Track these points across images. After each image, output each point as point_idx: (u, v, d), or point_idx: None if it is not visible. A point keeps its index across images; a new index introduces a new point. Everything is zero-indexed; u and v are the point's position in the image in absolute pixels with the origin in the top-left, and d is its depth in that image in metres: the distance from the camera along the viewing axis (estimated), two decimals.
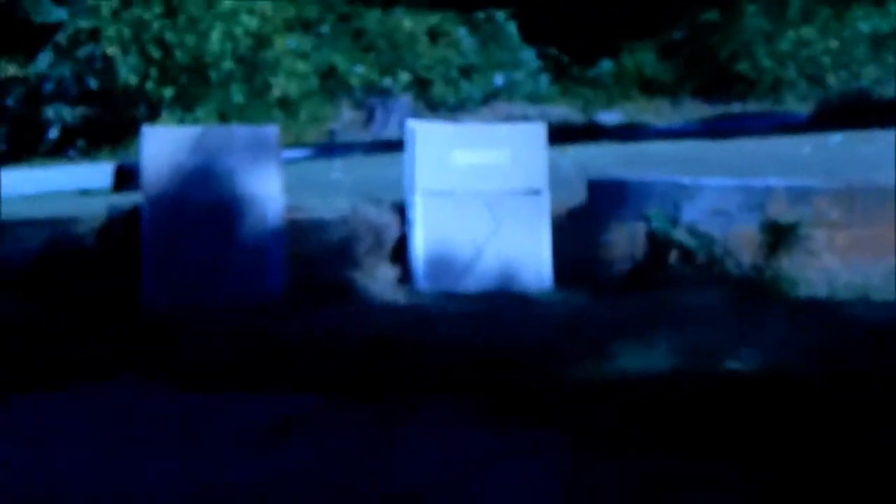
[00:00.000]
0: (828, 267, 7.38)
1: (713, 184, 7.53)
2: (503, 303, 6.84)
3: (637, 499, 3.86)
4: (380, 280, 7.14)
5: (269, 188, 6.84)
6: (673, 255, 7.38)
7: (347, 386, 5.05)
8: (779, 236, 7.31)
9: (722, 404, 4.64)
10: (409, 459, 4.18)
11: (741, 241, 7.36)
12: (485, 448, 4.22)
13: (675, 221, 7.34)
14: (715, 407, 4.59)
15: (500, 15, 17.39)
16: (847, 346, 5.76)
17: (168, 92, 13.69)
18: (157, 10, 13.57)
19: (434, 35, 17.06)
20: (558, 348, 5.73)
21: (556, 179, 7.56)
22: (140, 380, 5.15)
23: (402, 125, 14.23)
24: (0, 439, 4.43)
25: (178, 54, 13.78)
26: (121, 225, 6.68)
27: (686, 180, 7.60)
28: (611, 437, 4.37)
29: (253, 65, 14.40)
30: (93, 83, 13.91)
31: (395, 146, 9.83)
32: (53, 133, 13.88)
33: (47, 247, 6.15)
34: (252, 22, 13.97)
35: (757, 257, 7.36)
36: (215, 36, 13.80)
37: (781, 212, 7.34)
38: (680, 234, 7.33)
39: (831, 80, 16.28)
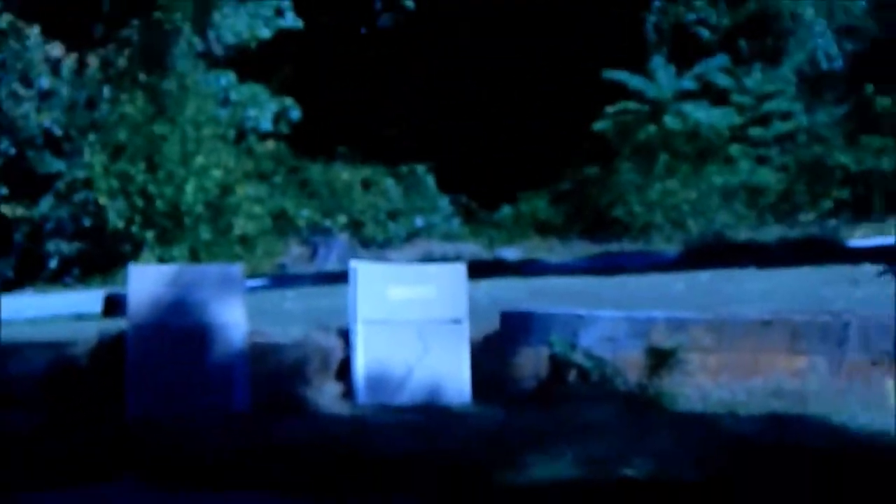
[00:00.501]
0: (701, 385, 7.97)
1: (605, 315, 8.17)
2: (431, 415, 7.44)
3: None
4: (327, 395, 7.76)
5: (234, 317, 7.47)
6: (571, 375, 7.99)
7: (302, 487, 5.74)
8: (660, 359, 7.94)
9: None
10: None
11: (628, 363, 8.00)
12: None
13: (573, 346, 7.97)
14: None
15: (421, 168, 20.24)
16: (719, 454, 6.27)
17: (150, 234, 15.42)
18: (141, 166, 15.47)
19: (366, 184, 19.38)
20: (480, 458, 6.27)
21: (473, 310, 8.18)
22: (139, 483, 5.75)
23: (341, 259, 16.10)
24: None
25: (159, 203, 15.40)
26: (109, 348, 7.28)
27: (582, 312, 8.24)
28: None
29: (218, 208, 15.87)
30: (87, 223, 15.88)
31: (337, 278, 11.01)
32: (53, 263, 15.88)
33: (49, 367, 6.80)
34: (218, 174, 15.75)
35: (641, 377, 7.96)
36: (189, 188, 15.43)
37: (661, 339, 7.99)
38: (577, 357, 7.94)
39: (691, 224, 17.73)
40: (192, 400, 7.32)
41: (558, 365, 8.09)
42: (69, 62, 16.28)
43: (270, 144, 18.40)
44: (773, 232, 16.49)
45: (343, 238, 17.44)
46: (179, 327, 7.44)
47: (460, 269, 8.30)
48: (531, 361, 8.17)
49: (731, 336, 8.23)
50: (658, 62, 20.53)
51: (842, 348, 8.09)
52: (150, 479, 5.82)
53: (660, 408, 7.71)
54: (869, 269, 11.24)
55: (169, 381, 7.36)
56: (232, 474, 6.03)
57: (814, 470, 6.00)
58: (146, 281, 7.49)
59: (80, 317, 10.19)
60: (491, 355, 8.24)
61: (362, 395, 7.69)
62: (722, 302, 9.57)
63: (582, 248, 16.57)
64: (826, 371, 8.06)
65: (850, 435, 7.01)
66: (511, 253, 16.50)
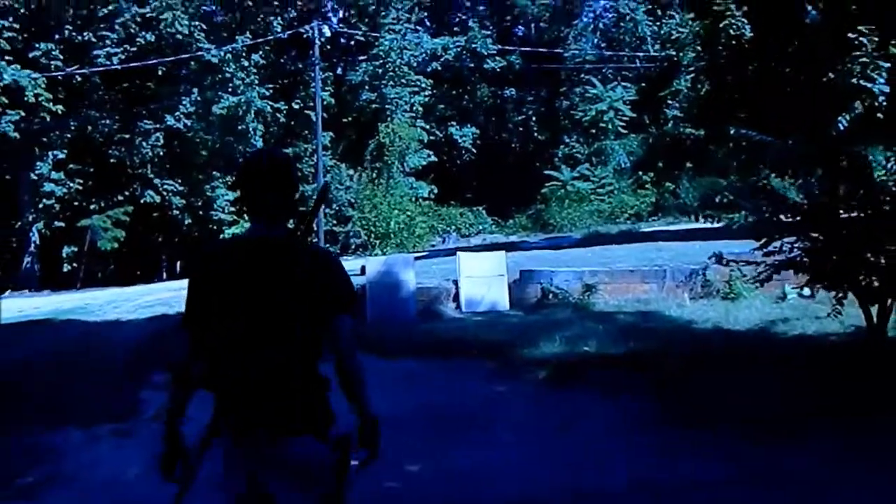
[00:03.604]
0: (605, 300, 12.57)
1: (564, 270, 13.09)
2: (492, 316, 12.07)
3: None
4: (448, 309, 12.47)
5: (409, 277, 12.24)
6: (550, 296, 12.69)
7: (439, 353, 9.54)
8: (587, 289, 12.71)
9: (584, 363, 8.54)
10: (467, 384, 8.03)
11: (574, 291, 12.71)
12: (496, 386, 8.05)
13: (551, 283, 12.72)
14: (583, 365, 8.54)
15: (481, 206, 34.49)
16: (621, 334, 9.74)
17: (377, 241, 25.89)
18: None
19: (462, 214, 34.72)
20: (515, 341, 9.64)
21: (508, 270, 12.99)
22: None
23: (455, 242, 28.79)
24: None
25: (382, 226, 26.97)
26: (359, 290, 12.14)
27: (553, 269, 13.17)
28: (554, 381, 8.06)
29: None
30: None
31: (451, 252, 15.28)
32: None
33: None
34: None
35: (580, 297, 12.60)
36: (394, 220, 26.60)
37: (588, 279, 12.85)
38: (553, 289, 12.70)
39: (580, 225, 28.56)
40: (391, 312, 11.72)
41: (545, 292, 12.71)
42: None
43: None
44: (615, 228, 24.46)
45: (453, 232, 28.55)
46: (388, 281, 12.16)
47: (502, 253, 13.15)
48: (533, 291, 12.78)
49: (617, 277, 13.00)
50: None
51: (663, 280, 12.91)
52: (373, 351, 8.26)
53: (588, 309, 12.02)
54: (662, 244, 16.56)
55: (383, 305, 11.91)
56: (403, 349, 9.58)
57: (664, 336, 9.70)
58: (374, 262, 12.54)
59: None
60: (516, 289, 12.75)
61: (464, 308, 12.40)
62: (609, 261, 14.44)
63: (540, 237, 26.50)
64: (657, 291, 12.73)
65: (671, 320, 11.02)
66: (514, 238, 27.22)
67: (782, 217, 8.56)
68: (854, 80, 7.61)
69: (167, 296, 16.86)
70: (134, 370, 9.91)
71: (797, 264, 8.73)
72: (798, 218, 8.48)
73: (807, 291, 12.64)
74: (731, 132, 9.38)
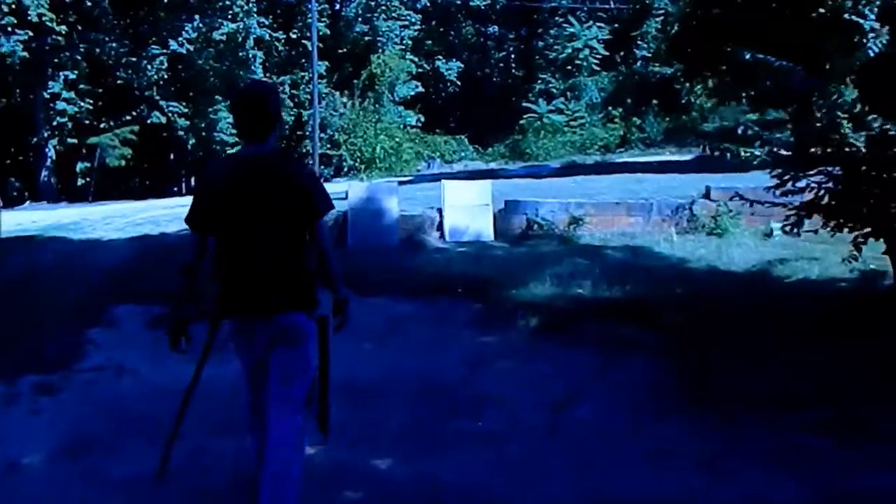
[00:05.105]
0: (591, 231, 10.59)
1: (549, 201, 10.96)
2: (477, 246, 9.99)
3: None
4: (432, 237, 10.40)
5: (393, 204, 10.28)
6: (535, 227, 10.67)
7: (421, 292, 7.31)
8: (573, 221, 10.65)
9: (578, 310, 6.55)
10: (453, 334, 6.19)
11: (560, 222, 10.68)
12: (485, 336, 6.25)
13: (536, 214, 10.67)
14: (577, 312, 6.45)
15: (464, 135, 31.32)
16: (612, 272, 7.90)
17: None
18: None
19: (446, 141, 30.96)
20: (502, 278, 7.71)
21: (493, 199, 10.81)
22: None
23: (438, 167, 26.45)
24: None
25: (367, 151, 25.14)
26: (340, 217, 9.90)
27: (539, 200, 11.01)
28: (547, 331, 6.12)
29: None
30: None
31: (436, 178, 13.99)
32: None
33: None
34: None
35: (565, 229, 10.61)
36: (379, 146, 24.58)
37: (574, 211, 10.75)
38: (538, 220, 10.66)
39: (555, 154, 26.58)
40: (372, 240, 9.81)
41: (530, 223, 10.70)
42: None
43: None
44: (589, 159, 22.23)
45: (437, 158, 26.76)
46: (370, 208, 10.22)
47: (487, 182, 11.28)
48: (518, 222, 10.76)
49: (602, 209, 10.94)
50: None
51: (650, 214, 10.90)
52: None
53: (574, 242, 10.20)
54: (641, 175, 14.49)
55: (364, 232, 9.98)
56: (383, 286, 7.34)
57: (660, 277, 7.88)
58: (357, 188, 10.44)
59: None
60: (502, 219, 10.71)
61: (448, 237, 10.38)
62: (592, 192, 12.19)
63: (519, 165, 24.46)
64: (643, 224, 10.77)
65: (662, 258, 9.23)
66: (494, 165, 25.29)
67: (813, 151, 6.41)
68: (846, 16, 6.27)
69: (160, 213, 14.77)
70: (89, 303, 7.71)
71: (825, 207, 6.62)
72: (829, 151, 6.32)
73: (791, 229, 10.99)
74: (747, 56, 7.18)
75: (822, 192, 6.53)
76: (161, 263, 9.09)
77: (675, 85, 29.87)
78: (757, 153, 6.74)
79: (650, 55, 32.50)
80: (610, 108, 31.99)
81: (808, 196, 6.57)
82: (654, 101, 30.91)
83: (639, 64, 32.92)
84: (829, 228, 6.82)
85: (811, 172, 6.29)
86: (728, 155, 6.88)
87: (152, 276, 8.17)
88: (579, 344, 6.13)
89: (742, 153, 6.80)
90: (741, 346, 5.80)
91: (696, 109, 30.37)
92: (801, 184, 6.57)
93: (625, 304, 6.90)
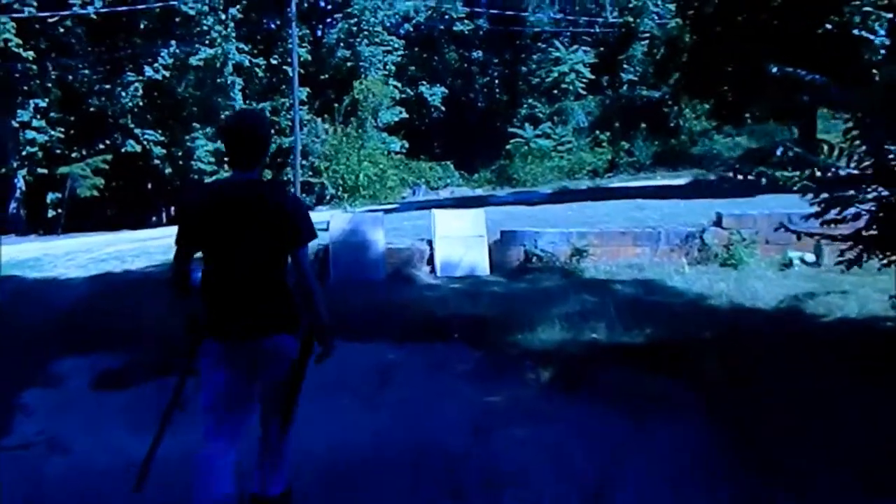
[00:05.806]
0: (595, 263, 9.80)
1: (548, 231, 10.13)
2: (471, 282, 9.16)
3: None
4: (422, 272, 9.56)
5: (378, 236, 9.46)
6: (534, 260, 9.89)
7: (413, 335, 6.52)
8: (576, 252, 9.88)
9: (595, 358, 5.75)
10: (452, 388, 5.33)
11: (562, 253, 9.91)
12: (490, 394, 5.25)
13: (535, 246, 9.90)
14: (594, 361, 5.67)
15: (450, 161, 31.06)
16: (630, 312, 6.95)
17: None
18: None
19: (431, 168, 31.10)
20: (504, 319, 6.89)
21: (487, 230, 9.98)
22: None
23: (424, 194, 25.79)
24: None
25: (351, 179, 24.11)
26: (322, 251, 9.17)
27: (538, 230, 10.18)
28: (563, 386, 5.28)
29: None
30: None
31: (423, 206, 13.36)
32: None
33: None
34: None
35: (567, 260, 9.84)
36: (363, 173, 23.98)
37: (576, 241, 9.97)
38: (537, 251, 9.87)
39: (544, 181, 25.94)
40: (357, 275, 9.07)
41: (528, 255, 9.91)
42: None
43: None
44: (580, 184, 21.40)
45: (423, 185, 26.54)
46: (355, 241, 9.38)
47: (481, 211, 10.35)
48: (515, 254, 9.97)
49: (606, 239, 10.15)
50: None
51: (657, 243, 10.07)
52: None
53: (578, 276, 9.35)
54: (641, 201, 13.48)
55: (348, 267, 9.18)
56: (370, 327, 6.66)
57: (680, 316, 7.11)
58: (339, 219, 9.54)
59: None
60: (497, 251, 9.97)
61: (439, 272, 9.55)
62: (592, 220, 11.20)
63: (507, 191, 23.92)
64: (650, 255, 9.98)
65: (678, 293, 8.36)
66: (481, 192, 24.73)
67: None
68: (855, 32, 6.01)
69: (127, 248, 13.78)
70: (30, 355, 6.66)
71: (876, 238, 5.75)
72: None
73: (810, 258, 9.93)
74: (774, 70, 6.42)
75: (872, 219, 5.66)
76: (119, 306, 8.22)
77: (663, 108, 29.43)
78: (795, 176, 5.88)
79: (637, 79, 32.05)
80: (597, 132, 31.52)
81: (859, 224, 5.69)
82: (643, 125, 30.40)
83: (625, 87, 32.46)
84: (879, 258, 5.94)
85: (868, 197, 5.36)
86: (763, 180, 6.08)
87: (107, 321, 7.44)
88: (602, 401, 5.11)
89: (779, 176, 5.96)
90: (793, 400, 4.81)
91: (686, 133, 29.79)
92: (851, 211, 5.68)
93: (647, 351, 6.02)
